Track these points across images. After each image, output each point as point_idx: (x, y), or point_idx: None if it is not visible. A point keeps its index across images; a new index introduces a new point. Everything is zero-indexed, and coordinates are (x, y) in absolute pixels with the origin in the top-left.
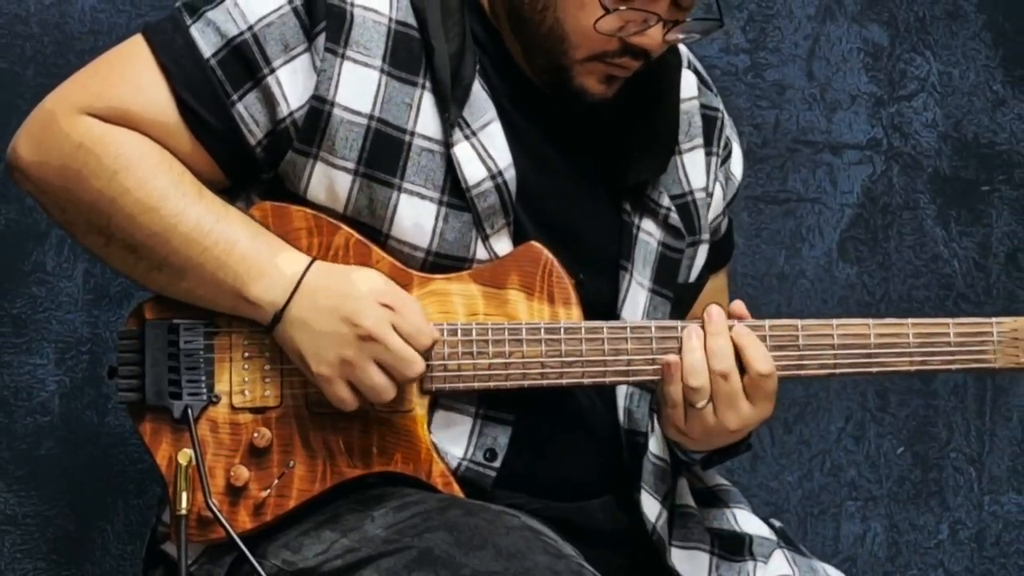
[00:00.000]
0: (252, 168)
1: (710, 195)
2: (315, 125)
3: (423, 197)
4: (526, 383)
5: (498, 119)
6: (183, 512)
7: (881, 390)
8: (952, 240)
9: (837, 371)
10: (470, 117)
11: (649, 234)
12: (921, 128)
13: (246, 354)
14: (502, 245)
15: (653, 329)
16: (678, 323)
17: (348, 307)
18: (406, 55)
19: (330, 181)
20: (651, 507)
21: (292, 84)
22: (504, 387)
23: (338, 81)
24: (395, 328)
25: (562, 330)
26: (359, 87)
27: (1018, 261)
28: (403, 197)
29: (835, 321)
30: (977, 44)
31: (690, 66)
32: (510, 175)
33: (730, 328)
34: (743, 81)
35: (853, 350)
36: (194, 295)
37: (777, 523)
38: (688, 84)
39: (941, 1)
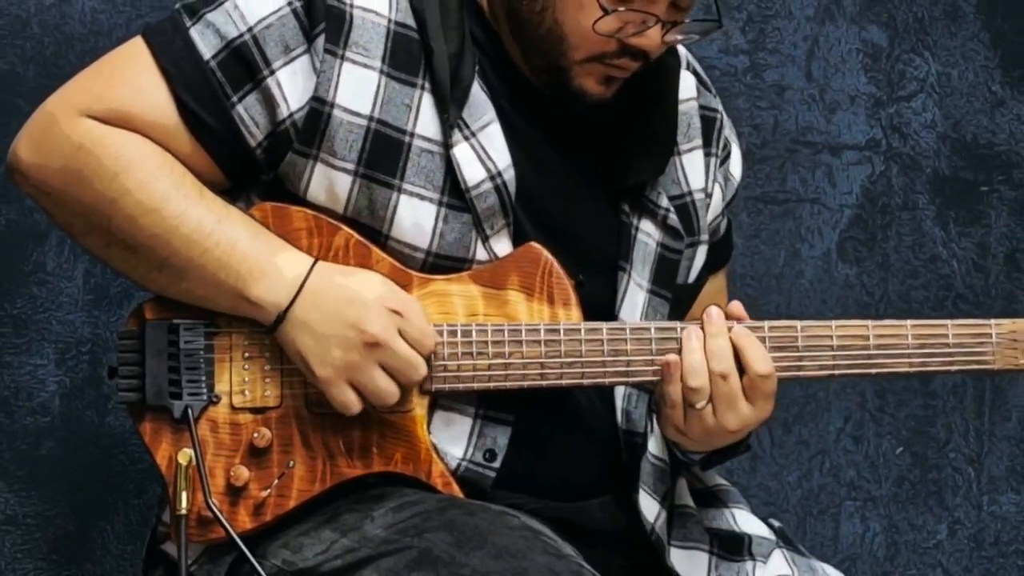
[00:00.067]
0: (252, 169)
1: (709, 196)
2: (315, 126)
3: (423, 198)
4: (526, 384)
5: (497, 120)
6: (183, 512)
7: (880, 390)
8: (951, 240)
9: (836, 372)
10: (469, 118)
11: (648, 235)
12: (920, 129)
13: (246, 354)
14: (502, 246)
15: (652, 330)
16: (677, 324)
17: (354, 313)
18: (405, 56)
19: (330, 182)
20: (650, 507)
21: (292, 85)
22: (504, 387)
23: (338, 82)
24: (401, 333)
25: (562, 331)
26: (359, 88)
27: (1017, 261)
28: (403, 198)
29: (834, 322)
30: (976, 45)
31: (689, 67)
32: (509, 176)
33: (729, 329)
34: (742, 82)
35: (852, 351)
36: (195, 296)
37: (776, 523)
38: (687, 85)
39: (940, 2)
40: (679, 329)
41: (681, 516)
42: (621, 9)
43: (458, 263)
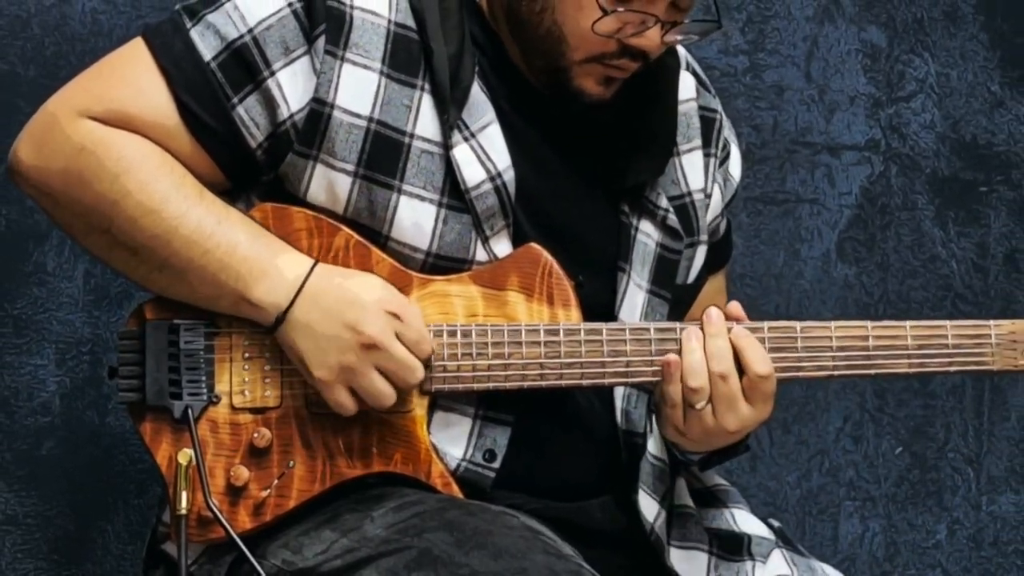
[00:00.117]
0: (252, 170)
1: (708, 196)
2: (315, 127)
3: (423, 199)
4: (525, 384)
5: (497, 121)
6: (183, 512)
7: (879, 390)
8: (950, 241)
9: (836, 373)
10: (469, 119)
11: (647, 235)
12: (919, 129)
13: (246, 355)
14: (501, 247)
15: (652, 331)
16: (677, 325)
17: (353, 314)
18: (405, 57)
19: (330, 183)
20: (649, 507)
21: (292, 86)
22: (503, 388)
23: (338, 83)
24: (398, 336)
25: (561, 331)
26: (359, 89)
27: (1016, 262)
28: (403, 199)
29: (833, 323)
30: (975, 45)
31: (688, 68)
32: (509, 177)
33: (729, 330)
34: (742, 82)
35: (851, 352)
36: (195, 296)
37: (776, 523)
38: (686, 86)
39: (939, 3)
40: (679, 330)
41: (680, 516)
42: (620, 10)
43: (458, 264)
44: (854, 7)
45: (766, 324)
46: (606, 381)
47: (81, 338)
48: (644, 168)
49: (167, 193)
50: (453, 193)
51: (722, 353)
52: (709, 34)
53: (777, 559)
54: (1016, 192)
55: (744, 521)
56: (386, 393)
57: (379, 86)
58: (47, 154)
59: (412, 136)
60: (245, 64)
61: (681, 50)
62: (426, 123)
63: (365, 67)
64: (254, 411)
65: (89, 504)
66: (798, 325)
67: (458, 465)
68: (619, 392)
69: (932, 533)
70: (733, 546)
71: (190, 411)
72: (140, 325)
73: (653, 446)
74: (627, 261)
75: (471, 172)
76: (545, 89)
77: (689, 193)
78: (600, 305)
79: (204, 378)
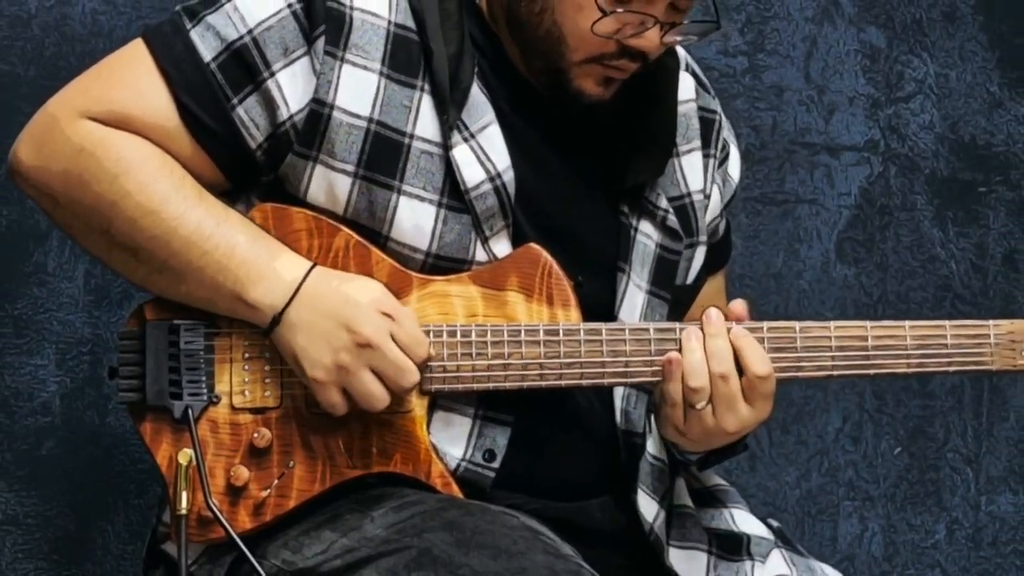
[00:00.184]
0: (252, 171)
1: (707, 197)
2: (315, 128)
3: (422, 199)
4: (525, 384)
5: (496, 121)
6: (183, 512)
7: (879, 391)
8: (949, 241)
9: (835, 373)
10: (469, 119)
11: (647, 236)
12: (918, 130)
13: (246, 355)
14: (501, 247)
15: (652, 331)
16: (676, 325)
17: (347, 314)
18: (405, 58)
19: (330, 184)
20: (648, 507)
21: (292, 87)
22: (503, 388)
23: (337, 84)
24: (393, 337)
25: (561, 332)
26: (358, 90)
27: (1015, 262)
28: (402, 199)
29: (833, 323)
30: (974, 46)
31: (688, 68)
32: (509, 177)
33: (728, 330)
34: (741, 83)
35: (851, 352)
36: (193, 297)
37: (775, 523)
38: (686, 86)
39: (938, 3)
40: (678, 330)
41: (680, 516)
42: (620, 11)
43: (458, 264)
44: (853, 8)
45: (765, 324)
46: (605, 381)
47: (81, 338)
48: (644, 169)
49: (166, 194)
50: (453, 194)
51: (722, 353)
52: (708, 35)
53: (776, 559)
54: (1015, 192)
55: (743, 521)
56: (378, 395)
57: (379, 87)
58: (47, 155)
59: (412, 137)
60: (245, 65)
61: (680, 51)
62: (426, 124)
63: (365, 68)
64: (254, 411)
65: (89, 504)
66: (797, 325)
67: (458, 465)
68: (618, 392)
69: (931, 533)
70: (732, 546)
71: (190, 411)
72: (140, 325)
73: (652, 446)
74: (627, 261)
75: (471, 172)
76: (545, 90)
77: (688, 194)
78: (599, 305)
79: (204, 378)
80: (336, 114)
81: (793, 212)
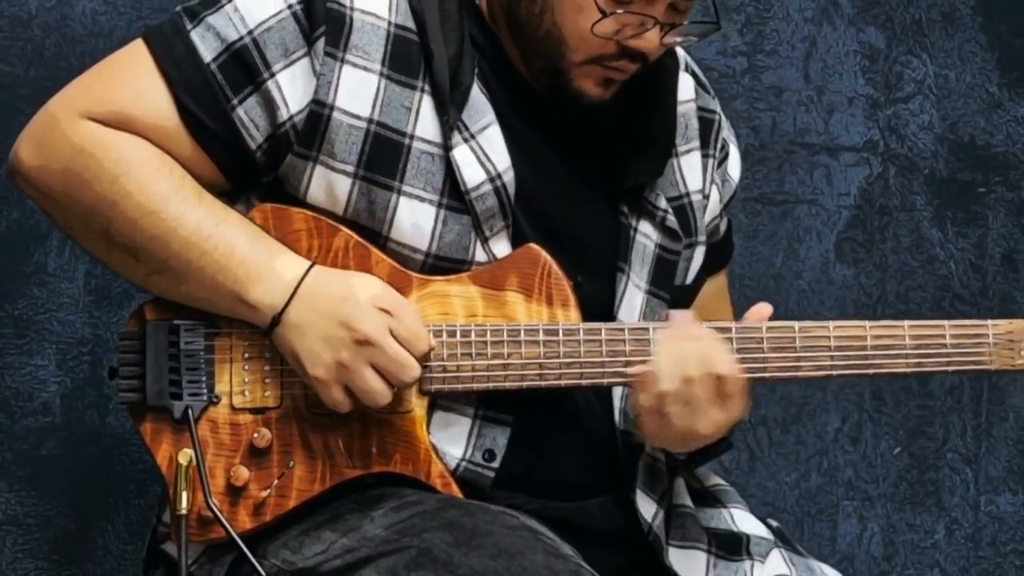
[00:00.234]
0: (252, 171)
1: (706, 197)
2: (315, 129)
3: (422, 200)
4: (524, 384)
5: (496, 122)
6: (183, 512)
7: (878, 391)
8: (948, 242)
9: (834, 373)
10: (469, 120)
11: (646, 236)
12: (917, 130)
13: (246, 355)
14: (501, 247)
15: (651, 331)
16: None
17: (346, 311)
18: (405, 59)
19: (329, 184)
20: (647, 507)
21: (292, 88)
22: (503, 388)
23: (338, 85)
24: (392, 333)
25: (560, 332)
26: (359, 91)
27: (1014, 262)
28: (402, 200)
29: (832, 323)
30: (973, 47)
31: (687, 69)
32: (509, 178)
33: (693, 332)
34: (740, 83)
35: (850, 352)
36: (193, 298)
37: (774, 523)
38: (685, 87)
39: (937, 4)
40: (651, 331)
41: (679, 516)
42: (620, 12)
43: (457, 264)
44: (852, 8)
45: (764, 324)
46: (605, 381)
47: (82, 338)
48: (643, 169)
49: (166, 195)
50: (453, 194)
51: (687, 356)
52: (708, 35)
53: (776, 559)
54: (1014, 193)
55: (743, 521)
56: (380, 391)
57: (379, 87)
58: (47, 155)
59: (412, 137)
60: (245, 66)
61: (680, 51)
62: (426, 124)
63: (365, 69)
64: (254, 411)
65: (89, 504)
66: (796, 325)
67: (457, 465)
68: (618, 392)
69: (930, 533)
70: (732, 546)
71: (190, 411)
72: (140, 326)
73: (651, 446)
74: (626, 262)
75: (471, 173)
76: (545, 90)
77: (688, 194)
78: (599, 306)
79: (204, 378)
80: (336, 115)
81: (792, 212)
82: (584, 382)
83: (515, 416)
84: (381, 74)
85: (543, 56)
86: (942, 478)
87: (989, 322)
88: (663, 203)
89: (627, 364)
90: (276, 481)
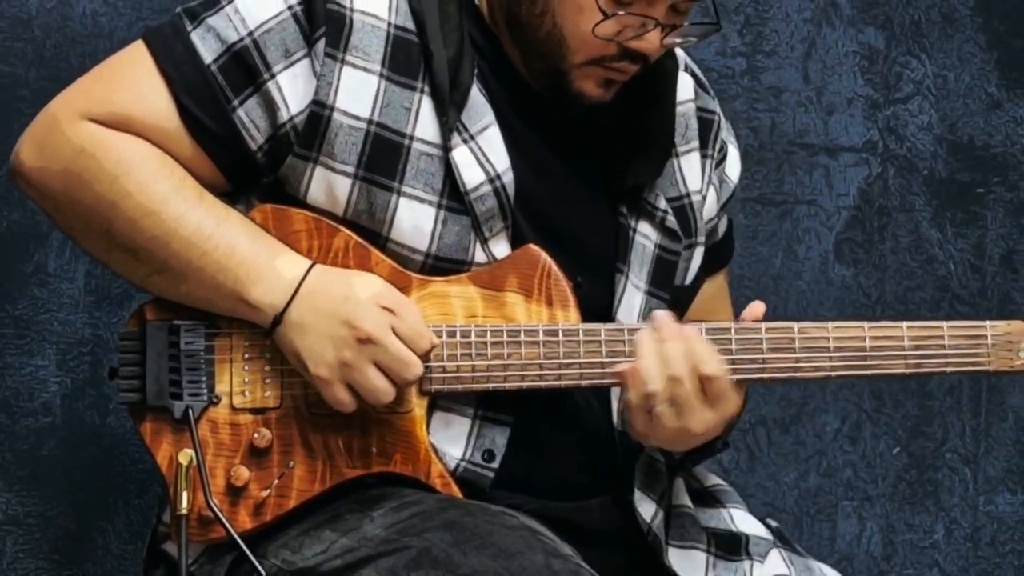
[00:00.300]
0: (253, 172)
1: (704, 197)
2: (315, 130)
3: (422, 200)
4: (524, 385)
5: (496, 123)
6: (184, 512)
7: (877, 391)
8: (947, 242)
9: (833, 373)
10: (468, 121)
11: (646, 237)
12: (917, 131)
13: (247, 355)
14: (500, 248)
15: (628, 331)
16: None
17: (347, 310)
18: (405, 60)
19: (330, 185)
20: (646, 507)
21: (292, 89)
22: (502, 388)
23: (338, 86)
24: (394, 331)
25: (560, 332)
26: (358, 92)
27: (1013, 263)
28: (402, 200)
29: (831, 324)
30: (972, 47)
31: (687, 69)
32: (508, 179)
33: (679, 332)
34: (739, 84)
35: (849, 353)
36: (194, 298)
37: (773, 523)
38: (685, 87)
39: (936, 4)
40: (629, 332)
41: (678, 516)
42: (620, 13)
43: (457, 265)
44: (852, 9)
45: (763, 325)
46: (604, 381)
47: (82, 339)
48: (643, 170)
49: (166, 195)
50: (452, 195)
51: (674, 356)
52: (708, 36)
53: (775, 559)
54: (1013, 193)
55: (742, 521)
56: (383, 389)
57: (379, 88)
58: (48, 156)
59: (412, 138)
60: (245, 67)
61: (679, 52)
62: (426, 125)
63: (365, 69)
64: (254, 411)
65: (90, 504)
66: (795, 326)
67: (457, 465)
68: (616, 393)
69: (929, 533)
70: (731, 546)
71: (190, 411)
72: (141, 326)
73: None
74: (625, 262)
75: (470, 174)
76: (544, 91)
77: (687, 194)
78: (598, 306)
79: (204, 378)
80: (336, 116)
81: (792, 213)
82: (583, 383)
83: (515, 416)
84: (381, 75)
85: (543, 57)
86: (941, 478)
87: (988, 323)
88: (663, 203)
89: None
90: (276, 481)
